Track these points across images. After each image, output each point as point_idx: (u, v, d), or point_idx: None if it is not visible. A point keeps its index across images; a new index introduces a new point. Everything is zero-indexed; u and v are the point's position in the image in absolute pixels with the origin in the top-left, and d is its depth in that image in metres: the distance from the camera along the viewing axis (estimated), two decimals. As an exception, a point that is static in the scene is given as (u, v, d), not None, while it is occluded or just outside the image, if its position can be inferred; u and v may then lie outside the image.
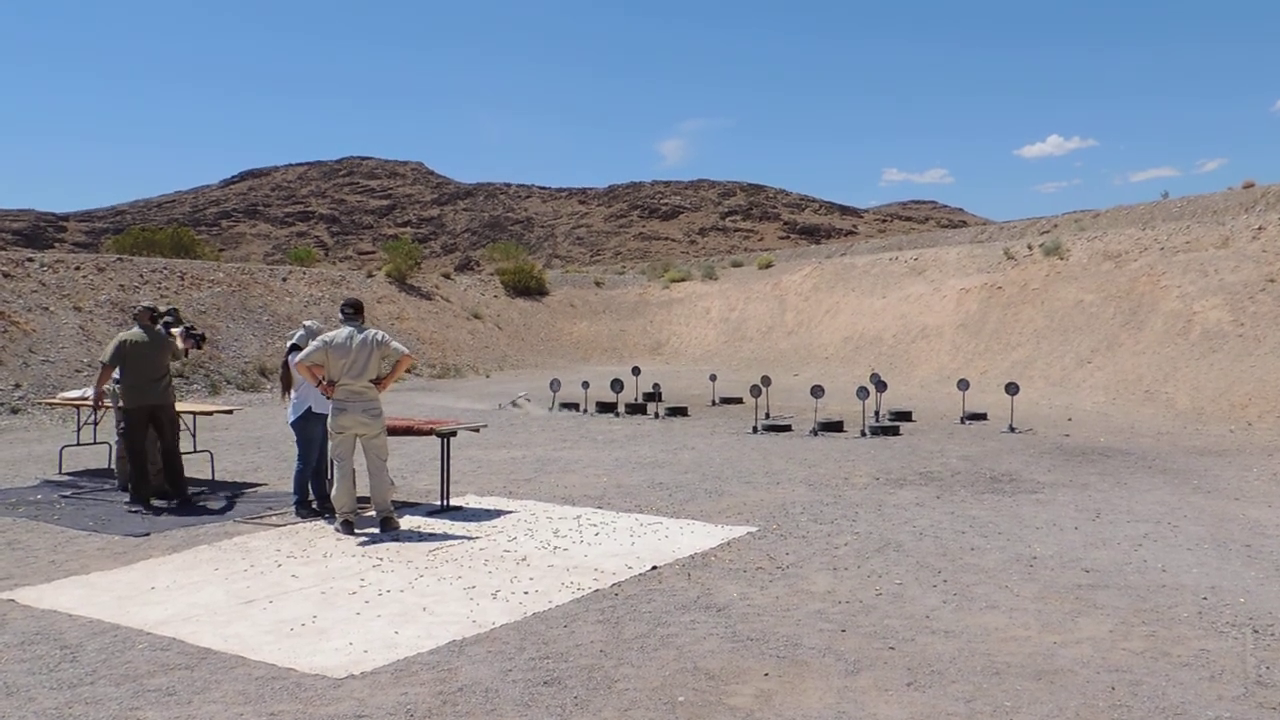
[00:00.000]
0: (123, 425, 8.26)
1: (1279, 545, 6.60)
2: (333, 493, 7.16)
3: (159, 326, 8.78)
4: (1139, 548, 6.54)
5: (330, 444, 7.24)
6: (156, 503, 8.05)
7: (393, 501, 7.34)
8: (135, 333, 8.12)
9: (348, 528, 7.05)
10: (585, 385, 16.96)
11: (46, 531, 7.12)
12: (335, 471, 7.15)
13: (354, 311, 7.32)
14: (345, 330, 7.16)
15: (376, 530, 7.10)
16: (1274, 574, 5.86)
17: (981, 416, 14.60)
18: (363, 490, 8.25)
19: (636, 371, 17.64)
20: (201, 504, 8.13)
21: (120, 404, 8.36)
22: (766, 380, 15.14)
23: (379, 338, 7.17)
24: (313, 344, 7.19)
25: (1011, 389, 14.32)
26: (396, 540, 6.83)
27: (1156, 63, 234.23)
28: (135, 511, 7.77)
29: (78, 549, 6.60)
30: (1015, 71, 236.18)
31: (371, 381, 7.11)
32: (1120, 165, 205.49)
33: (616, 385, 16.21)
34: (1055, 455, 10.90)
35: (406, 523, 7.40)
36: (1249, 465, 10.08)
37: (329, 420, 7.19)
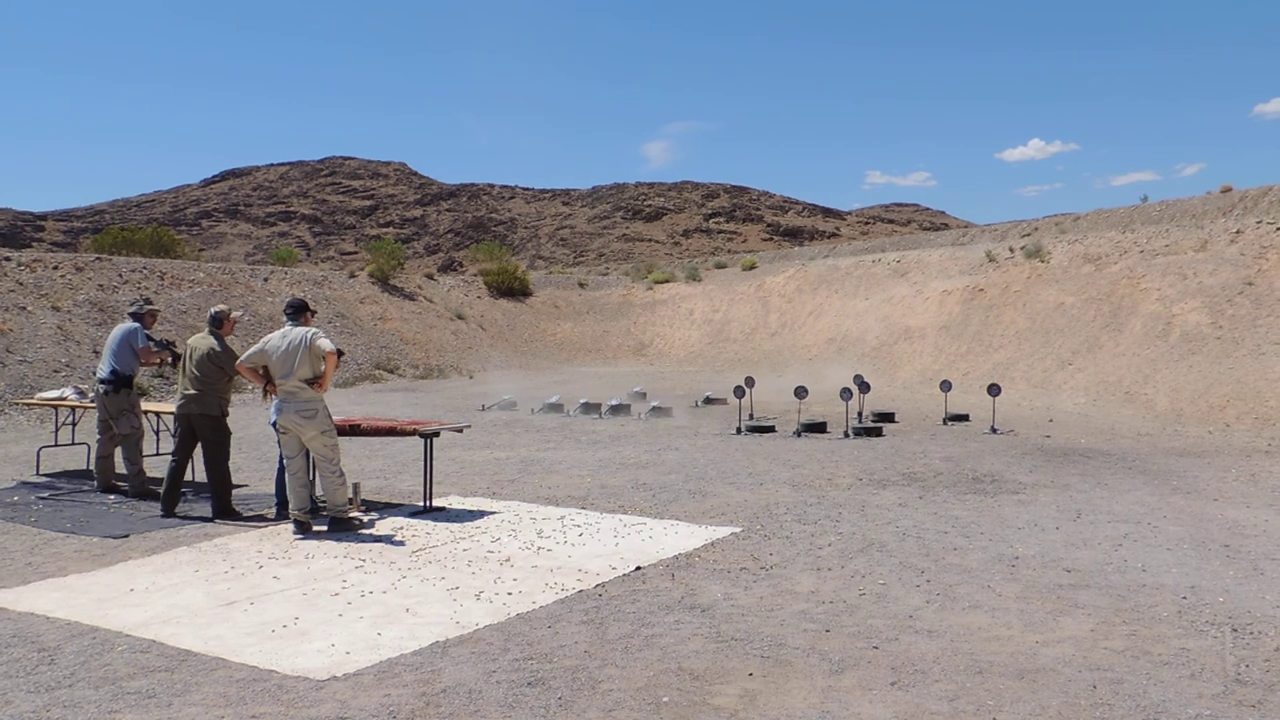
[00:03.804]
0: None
1: (1257, 545, 6.67)
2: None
3: (130, 319, 8.74)
4: (1119, 548, 6.59)
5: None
6: (114, 496, 7.98)
7: (369, 502, 7.30)
8: (196, 337, 7.97)
9: (300, 528, 7.02)
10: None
11: (23, 533, 7.04)
12: (285, 470, 7.16)
13: (294, 311, 7.29)
14: (281, 331, 7.16)
15: (325, 528, 7.11)
16: (1252, 573, 5.92)
17: (964, 418, 14.67)
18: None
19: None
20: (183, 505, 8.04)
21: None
22: (750, 381, 15.17)
23: (308, 337, 7.04)
24: (253, 346, 7.20)
25: (993, 390, 14.40)
26: (377, 541, 6.79)
27: (1137, 68, 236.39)
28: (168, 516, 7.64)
29: (55, 551, 6.52)
30: (997, 76, 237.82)
31: (306, 382, 7.02)
32: (1101, 169, 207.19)
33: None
34: (1037, 456, 10.97)
35: (389, 524, 7.36)
36: (1227, 466, 10.17)
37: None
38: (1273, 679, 4.16)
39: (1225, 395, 14.50)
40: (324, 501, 7.28)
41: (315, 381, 7.03)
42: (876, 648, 4.55)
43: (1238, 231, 19.66)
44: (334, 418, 8.42)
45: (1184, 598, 5.38)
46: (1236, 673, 4.23)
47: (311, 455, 7.27)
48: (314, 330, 7.14)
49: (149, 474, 8.66)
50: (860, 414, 14.36)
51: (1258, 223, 19.66)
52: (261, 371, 7.19)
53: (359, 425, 8.24)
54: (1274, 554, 6.40)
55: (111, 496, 8.48)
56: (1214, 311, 17.26)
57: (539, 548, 6.58)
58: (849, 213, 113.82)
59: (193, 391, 7.69)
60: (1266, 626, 4.86)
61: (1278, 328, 15.75)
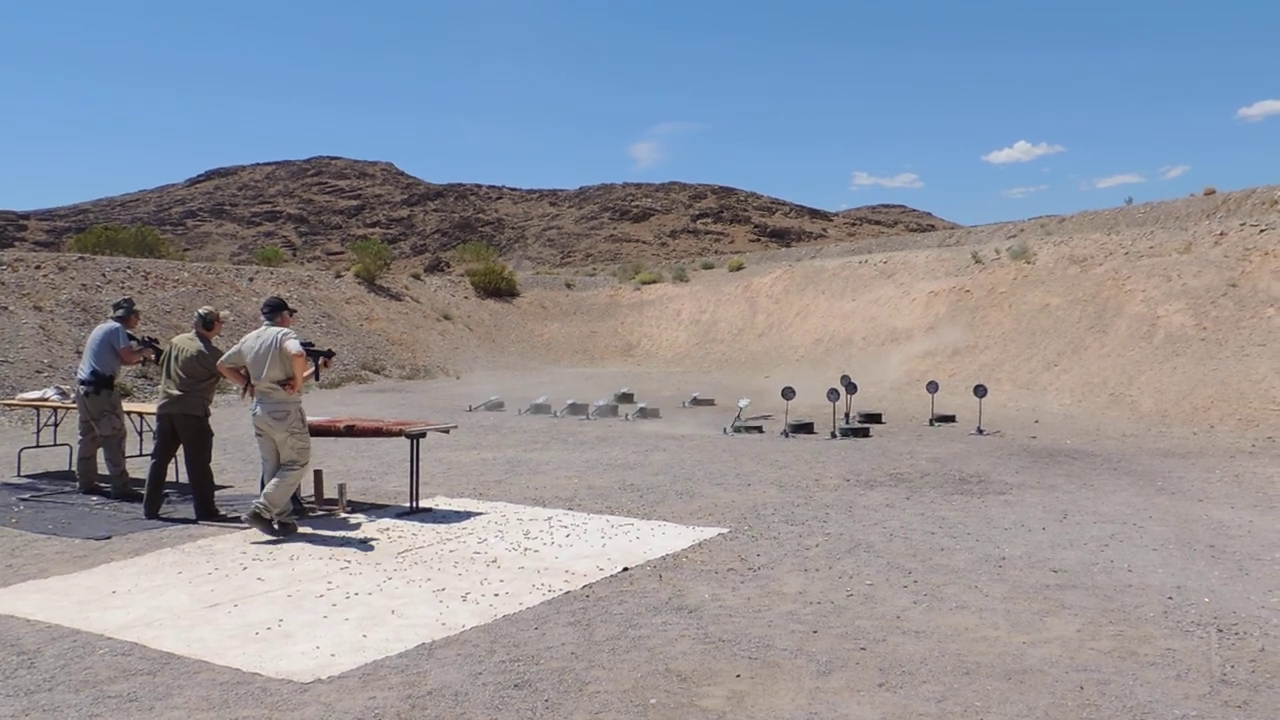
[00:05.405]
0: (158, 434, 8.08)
1: (1242, 545, 6.70)
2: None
3: (113, 319, 8.65)
4: (1105, 548, 6.61)
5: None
6: (97, 498, 7.94)
7: (355, 503, 7.19)
8: (182, 337, 7.89)
9: (284, 529, 6.94)
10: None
11: (4, 535, 6.96)
12: (263, 471, 7.10)
13: (270, 311, 7.23)
14: (257, 331, 7.12)
15: (287, 528, 6.98)
16: (1237, 574, 5.94)
17: (950, 419, 14.72)
18: (330, 491, 8.17)
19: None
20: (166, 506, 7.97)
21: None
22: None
23: (278, 338, 6.94)
24: (234, 346, 7.15)
25: (980, 391, 14.44)
26: (363, 542, 6.74)
27: (1123, 71, 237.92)
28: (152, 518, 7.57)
29: (36, 553, 6.45)
30: (984, 78, 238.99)
31: (278, 383, 6.93)
32: (1086, 171, 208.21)
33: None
34: (1023, 457, 11.00)
35: (376, 526, 7.31)
36: (1212, 467, 10.23)
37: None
38: (1258, 679, 4.17)
39: (1209, 396, 14.59)
40: (261, 504, 6.85)
41: (288, 383, 6.95)
42: (864, 649, 4.54)
43: (1221, 233, 19.79)
44: (321, 418, 8.37)
45: (1170, 598, 5.40)
46: (1222, 673, 4.24)
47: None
48: (285, 330, 7.03)
49: (131, 475, 8.59)
50: (847, 415, 14.37)
51: (1241, 225, 19.80)
52: (242, 372, 7.15)
53: (346, 426, 8.19)
54: (1259, 554, 6.44)
55: (94, 498, 8.41)
56: (1198, 313, 17.37)
57: (526, 549, 6.55)
58: (836, 214, 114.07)
59: (176, 392, 7.63)
60: (1252, 627, 4.88)
61: (1261, 329, 15.86)
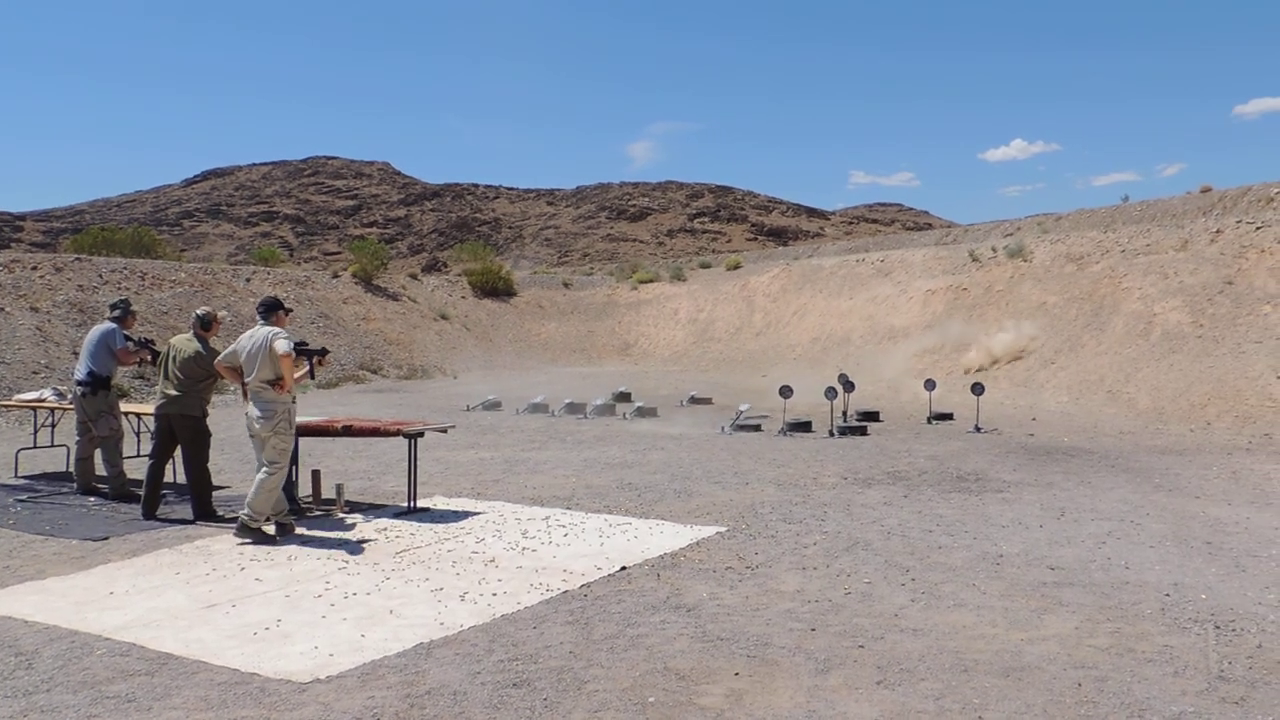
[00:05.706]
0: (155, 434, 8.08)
1: (1239, 542, 6.71)
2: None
3: (110, 320, 8.64)
4: (1103, 545, 6.62)
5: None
6: (94, 499, 7.97)
7: (353, 503, 7.16)
8: (180, 338, 7.88)
9: (281, 530, 6.93)
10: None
11: (1, 536, 6.95)
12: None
13: (265, 310, 7.23)
14: (251, 330, 7.13)
15: (272, 530, 6.95)
16: (1234, 571, 5.95)
17: (948, 416, 14.73)
18: (328, 492, 8.17)
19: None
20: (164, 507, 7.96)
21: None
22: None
23: (268, 338, 6.93)
24: (230, 346, 7.17)
25: (977, 389, 14.46)
26: (361, 542, 6.74)
27: (1119, 69, 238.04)
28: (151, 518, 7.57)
29: (34, 554, 6.45)
30: (981, 77, 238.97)
31: (268, 382, 6.90)
32: (1082, 169, 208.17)
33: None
34: (1020, 454, 11.02)
35: (374, 526, 7.31)
36: (1208, 464, 10.24)
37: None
38: (1255, 676, 4.18)
39: (1206, 393, 14.61)
40: (247, 514, 6.83)
41: (277, 383, 6.94)
42: (862, 646, 4.55)
43: (1218, 231, 19.82)
44: (318, 418, 8.35)
45: (1167, 595, 5.41)
46: (1219, 670, 4.25)
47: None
48: (275, 330, 7.00)
49: (129, 475, 8.58)
50: (845, 413, 14.38)
51: (1237, 222, 19.83)
52: (239, 371, 7.14)
53: (343, 426, 8.18)
54: (1255, 551, 6.45)
55: (91, 498, 8.40)
56: (1194, 310, 17.39)
57: (524, 548, 6.56)
58: (833, 213, 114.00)
59: (174, 392, 7.61)
60: (1249, 624, 4.89)
61: (1257, 326, 15.89)
